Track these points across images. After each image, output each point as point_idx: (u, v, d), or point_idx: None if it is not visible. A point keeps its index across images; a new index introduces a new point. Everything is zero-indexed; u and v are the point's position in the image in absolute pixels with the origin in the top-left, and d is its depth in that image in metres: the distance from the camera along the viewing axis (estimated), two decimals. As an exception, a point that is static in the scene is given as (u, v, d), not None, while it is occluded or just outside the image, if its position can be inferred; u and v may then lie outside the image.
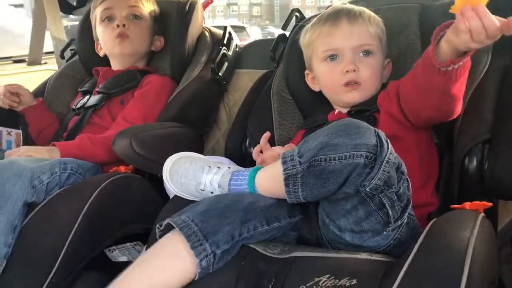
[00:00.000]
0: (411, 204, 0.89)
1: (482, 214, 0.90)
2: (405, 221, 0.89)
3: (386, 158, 0.81)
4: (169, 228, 0.90)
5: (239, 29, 12.12)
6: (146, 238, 1.27)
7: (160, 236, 0.92)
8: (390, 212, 0.85)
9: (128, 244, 1.33)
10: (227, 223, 0.88)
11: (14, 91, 1.55)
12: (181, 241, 0.85)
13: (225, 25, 1.77)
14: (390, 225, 0.86)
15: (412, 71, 1.03)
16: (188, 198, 1.02)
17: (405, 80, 1.06)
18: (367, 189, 0.82)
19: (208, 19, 2.41)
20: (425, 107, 1.01)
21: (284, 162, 0.86)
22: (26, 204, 1.11)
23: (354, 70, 1.14)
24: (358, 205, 0.85)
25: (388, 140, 0.84)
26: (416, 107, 1.04)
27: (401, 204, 0.86)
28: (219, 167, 1.00)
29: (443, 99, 0.98)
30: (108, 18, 1.57)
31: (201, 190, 0.98)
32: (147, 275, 0.86)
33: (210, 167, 0.99)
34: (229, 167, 1.00)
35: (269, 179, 0.94)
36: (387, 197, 0.84)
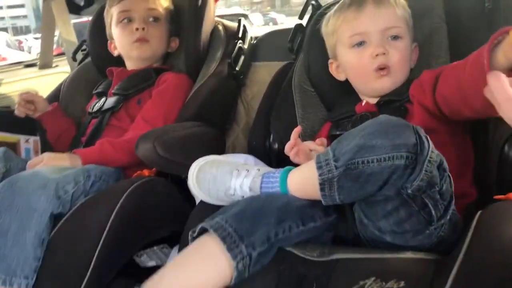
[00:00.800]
0: (453, 201, 0.85)
1: (530, 204, 0.86)
2: (448, 217, 0.85)
3: (428, 157, 0.77)
4: (202, 233, 0.87)
5: (242, 17, 12.03)
6: (172, 241, 1.27)
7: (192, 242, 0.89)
8: (433, 212, 0.81)
9: (155, 247, 1.32)
10: (262, 223, 0.85)
11: (29, 99, 1.53)
12: (216, 244, 0.82)
13: (227, 13, 1.72)
14: (433, 223, 0.83)
15: (456, 70, 0.95)
16: (215, 203, 0.99)
17: (446, 79, 0.99)
18: (409, 191, 0.78)
19: None
20: (466, 109, 0.94)
21: (319, 167, 0.82)
22: (52, 215, 1.09)
23: (384, 54, 1.09)
24: (399, 207, 0.81)
25: (428, 137, 0.80)
26: (457, 108, 0.97)
27: (444, 202, 0.82)
28: (248, 170, 0.96)
29: (487, 105, 0.92)
30: (126, 19, 1.53)
31: (231, 195, 0.95)
32: (181, 278, 0.84)
33: (238, 170, 0.96)
34: (259, 169, 0.97)
35: (303, 181, 0.90)
36: (430, 197, 0.80)
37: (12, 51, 10.29)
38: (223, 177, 0.96)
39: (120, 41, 1.56)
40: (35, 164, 1.25)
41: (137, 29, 1.50)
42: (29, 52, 14.02)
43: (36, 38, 18.46)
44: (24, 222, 1.05)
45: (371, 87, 1.14)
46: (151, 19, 1.54)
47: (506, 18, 1.10)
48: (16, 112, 1.54)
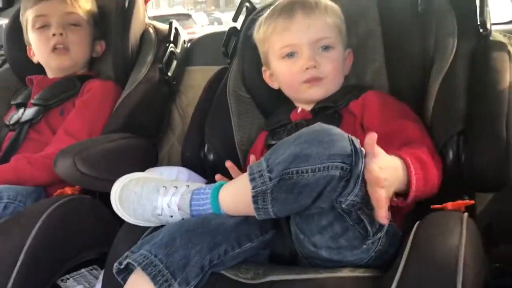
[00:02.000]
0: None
1: (466, 214, 0.85)
2: (385, 231, 0.82)
3: (362, 171, 0.74)
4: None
5: (185, 16, 11.89)
6: (102, 261, 1.18)
7: (118, 273, 0.83)
8: (369, 228, 0.78)
9: (83, 270, 1.24)
10: (194, 252, 0.79)
11: None
12: (146, 283, 0.76)
13: (169, 13, 1.65)
14: (369, 238, 0.80)
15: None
16: (142, 225, 0.92)
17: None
18: (343, 206, 0.75)
19: (151, 8, 2.27)
20: None
21: (252, 179, 0.77)
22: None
23: (315, 66, 1.06)
24: (334, 222, 0.78)
25: (363, 150, 0.76)
26: None
27: None
28: (176, 186, 0.90)
29: None
30: (42, 26, 1.43)
31: (158, 215, 0.88)
32: None
33: (165, 187, 0.89)
34: (188, 186, 0.90)
35: (235, 196, 0.85)
36: (365, 213, 0.77)
37: None
38: (149, 196, 0.89)
39: (37, 48, 1.46)
40: None
41: (54, 35, 1.40)
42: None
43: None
44: None
45: (302, 97, 1.12)
46: (70, 24, 1.44)
47: (439, 21, 1.10)
48: None
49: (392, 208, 0.90)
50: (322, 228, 0.79)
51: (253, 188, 0.77)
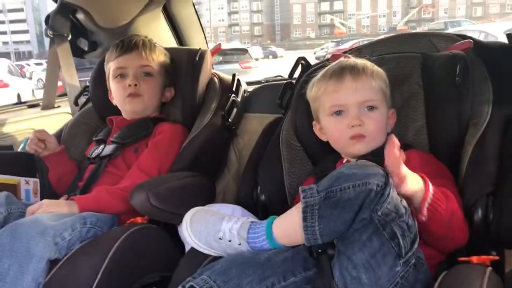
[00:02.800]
0: (418, 239, 0.93)
1: (490, 268, 0.94)
2: (413, 261, 0.93)
3: (392, 187, 0.90)
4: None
5: (242, 51, 12.27)
6: (162, 285, 1.33)
7: None
8: (401, 242, 0.90)
9: (146, 290, 1.37)
10: (246, 282, 0.93)
11: (42, 138, 1.61)
12: None
13: (227, 48, 1.81)
14: (402, 257, 0.90)
15: None
16: (204, 251, 1.07)
17: None
18: (379, 213, 0.88)
19: (210, 43, 2.48)
20: None
21: (303, 191, 0.93)
22: (49, 261, 1.15)
23: (360, 125, 1.19)
24: (372, 235, 0.90)
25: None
26: None
27: (410, 235, 0.92)
28: (238, 218, 1.06)
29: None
30: (120, 76, 1.63)
31: (219, 238, 1.03)
32: None
33: (229, 217, 1.06)
34: (248, 218, 1.06)
35: (286, 224, 1.00)
36: (398, 226, 0.90)
37: (13, 78, 10.44)
38: (215, 221, 1.06)
39: (115, 94, 1.66)
40: (33, 210, 1.31)
41: (129, 85, 1.60)
42: (30, 78, 14.21)
43: (38, 64, 18.72)
44: (23, 267, 1.12)
45: (346, 151, 1.24)
46: (143, 74, 1.63)
47: (475, 88, 1.21)
48: (27, 148, 1.61)
49: (428, 261, 1.01)
50: (362, 244, 0.90)
51: (303, 198, 0.93)
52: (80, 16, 2.02)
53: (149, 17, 2.04)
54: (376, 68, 1.25)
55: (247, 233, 1.02)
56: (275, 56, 28.00)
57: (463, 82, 1.20)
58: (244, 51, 12.41)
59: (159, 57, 1.67)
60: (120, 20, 2.00)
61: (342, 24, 63.16)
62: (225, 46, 13.85)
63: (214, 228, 1.04)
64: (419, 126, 1.30)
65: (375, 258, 0.90)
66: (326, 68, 1.28)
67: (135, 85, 1.60)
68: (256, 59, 13.86)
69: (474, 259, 0.97)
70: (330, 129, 1.26)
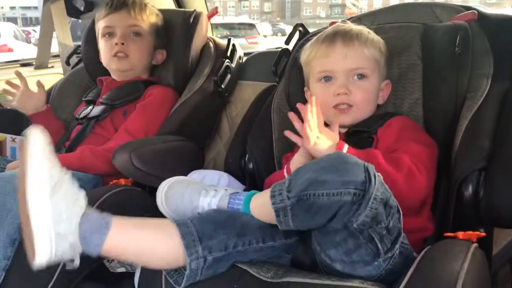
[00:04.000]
0: (402, 235, 0.89)
1: (475, 244, 0.90)
2: (398, 251, 0.89)
3: (373, 195, 0.81)
4: None
5: (249, 26, 12.14)
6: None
7: None
8: (380, 245, 0.85)
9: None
10: (223, 232, 0.90)
11: (38, 85, 1.62)
12: (177, 237, 0.87)
13: (235, 22, 1.77)
14: (381, 256, 0.87)
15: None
16: None
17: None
18: (355, 225, 0.82)
19: (219, 16, 2.43)
20: None
21: (272, 196, 0.87)
22: (26, 217, 1.12)
23: (346, 93, 1.15)
24: (348, 238, 0.85)
25: (377, 174, 0.84)
26: None
27: (391, 237, 0.86)
28: (215, 190, 1.01)
29: None
30: (108, 34, 1.59)
31: (198, 213, 0.99)
32: (139, 242, 0.88)
33: (206, 190, 1.00)
34: (226, 190, 1.01)
35: (262, 206, 0.94)
36: (376, 232, 0.84)
37: (18, 42, 10.36)
38: (191, 196, 1.00)
39: (102, 54, 1.63)
40: (15, 166, 1.29)
41: (116, 44, 1.56)
42: (36, 45, 14.14)
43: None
44: (-2, 222, 1.09)
45: (330, 120, 1.18)
46: (131, 34, 1.59)
47: (474, 61, 1.16)
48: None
49: (412, 234, 0.98)
50: (336, 243, 0.86)
51: (272, 204, 0.86)
52: (77, -27, 1.97)
53: (148, -23, 1.98)
54: (372, 36, 1.20)
55: (227, 207, 0.98)
56: (283, 33, 27.60)
57: (462, 53, 1.15)
58: (252, 26, 12.26)
59: (150, 17, 1.63)
60: (117, -20, 1.94)
61: (354, 4, 62.32)
62: (232, 20, 13.69)
63: (191, 203, 0.99)
64: (415, 99, 1.25)
65: (350, 257, 0.87)
66: (321, 33, 1.24)
67: (122, 43, 1.56)
68: (265, 36, 13.70)
69: (460, 234, 0.93)
70: (316, 95, 1.19)
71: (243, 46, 1.80)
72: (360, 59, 1.16)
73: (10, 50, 9.68)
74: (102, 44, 1.61)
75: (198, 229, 0.88)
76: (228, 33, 10.78)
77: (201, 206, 0.99)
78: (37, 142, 0.84)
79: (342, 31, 1.18)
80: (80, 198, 0.87)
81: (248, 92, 1.73)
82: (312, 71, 1.22)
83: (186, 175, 1.35)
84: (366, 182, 0.81)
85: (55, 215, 0.81)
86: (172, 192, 1.01)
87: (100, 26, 1.62)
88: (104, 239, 0.85)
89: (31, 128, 0.85)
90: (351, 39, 1.16)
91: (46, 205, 0.81)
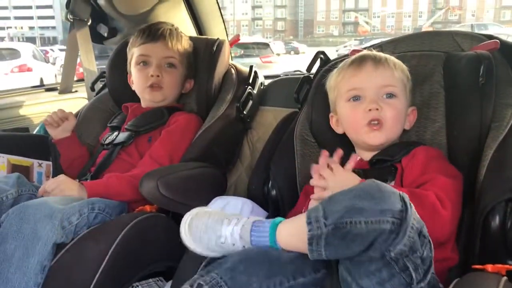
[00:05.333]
0: (432, 266, 0.89)
1: (505, 278, 0.90)
2: (427, 281, 0.89)
3: (410, 224, 0.82)
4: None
5: (263, 45, 12.22)
6: (168, 274, 1.32)
7: None
8: (414, 275, 0.85)
9: (150, 280, 1.36)
10: (254, 279, 0.89)
11: (64, 116, 1.66)
12: None
13: (249, 41, 1.79)
14: (413, 286, 0.86)
15: None
16: (207, 256, 1.02)
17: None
18: (392, 254, 0.82)
19: (232, 35, 2.46)
20: None
21: (309, 223, 0.87)
22: (55, 244, 1.15)
23: (377, 109, 1.15)
24: (382, 268, 0.85)
25: (412, 204, 0.85)
26: None
27: (424, 267, 0.86)
28: (238, 218, 1.01)
29: None
30: (143, 63, 1.62)
31: (222, 243, 0.98)
32: None
33: (228, 219, 1.01)
34: (248, 218, 1.02)
35: (292, 234, 0.94)
36: (411, 261, 0.84)
37: (37, 62, 10.58)
38: (214, 226, 1.00)
39: (135, 82, 1.65)
40: (49, 187, 1.32)
41: (151, 75, 1.59)
42: (54, 64, 14.41)
43: (62, 50, 18.97)
44: (29, 249, 1.12)
45: (362, 140, 1.20)
46: (166, 65, 1.62)
47: (498, 91, 1.16)
48: (48, 119, 1.64)
49: (437, 263, 0.98)
50: (370, 272, 0.86)
51: (309, 231, 0.86)
52: (101, 1, 2.02)
53: (170, 5, 2.04)
54: (398, 61, 1.22)
55: (250, 236, 0.98)
56: (296, 52, 27.83)
57: (486, 83, 1.16)
58: (266, 45, 12.35)
59: (184, 47, 1.66)
60: (140, 7, 2.00)
61: (367, 22, 62.53)
62: (247, 39, 13.80)
63: (214, 233, 0.99)
64: (438, 127, 1.26)
65: (383, 286, 0.86)
66: (346, 59, 1.26)
67: (157, 76, 1.59)
68: (278, 54, 13.79)
69: (489, 267, 0.93)
70: (346, 115, 1.22)
71: (257, 65, 1.83)
72: (390, 77, 1.17)
73: (30, 69, 9.89)
74: (135, 72, 1.64)
75: (230, 285, 0.88)
76: (242, 52, 10.88)
77: (224, 235, 0.99)
78: None
79: (370, 54, 1.21)
80: None
81: (269, 117, 1.75)
82: (340, 92, 1.23)
83: (209, 201, 1.37)
84: (403, 210, 0.82)
85: None
86: (196, 223, 1.02)
87: (134, 53, 1.64)
88: None
89: None
90: (381, 61, 1.18)
91: None
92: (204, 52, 1.69)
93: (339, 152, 1.11)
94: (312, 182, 1.09)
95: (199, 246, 1.00)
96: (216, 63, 1.66)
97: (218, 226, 1.00)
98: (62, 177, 1.39)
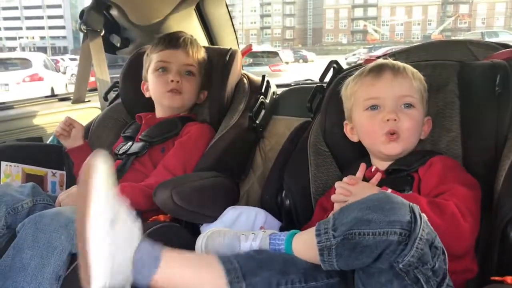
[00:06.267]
0: (447, 278, 0.88)
1: (524, 290, 0.89)
2: None
3: (419, 235, 0.82)
4: None
5: (272, 54, 12.27)
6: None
7: None
8: (425, 286, 0.85)
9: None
10: (267, 269, 0.91)
11: (71, 122, 1.67)
12: (221, 273, 0.89)
13: (258, 50, 1.79)
14: None
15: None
16: None
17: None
18: (401, 265, 0.82)
19: (241, 44, 2.47)
20: None
21: (318, 235, 0.88)
22: (70, 254, 1.15)
23: (395, 120, 1.15)
24: (393, 279, 0.85)
25: (423, 215, 0.84)
26: None
27: (436, 279, 0.86)
28: (253, 233, 1.02)
29: None
30: (162, 69, 1.62)
31: None
32: (186, 277, 0.90)
33: (245, 235, 1.02)
34: (264, 231, 1.02)
35: (305, 246, 0.95)
36: (422, 273, 0.84)
37: (48, 72, 10.69)
38: (232, 243, 1.02)
39: (153, 87, 1.64)
40: (62, 198, 1.34)
41: (172, 81, 1.59)
42: (64, 73, 14.56)
43: (72, 59, 19.19)
44: (44, 259, 1.12)
45: (379, 150, 1.19)
46: (185, 73, 1.63)
47: (515, 101, 1.15)
48: (57, 129, 1.67)
49: (456, 275, 0.96)
50: (382, 284, 0.86)
51: (318, 243, 0.87)
52: (114, 12, 2.05)
53: (182, 15, 2.05)
54: (416, 70, 1.22)
55: (270, 246, 0.99)
56: (305, 60, 27.92)
57: (503, 92, 1.15)
58: (275, 54, 12.41)
59: (202, 57, 1.67)
60: (153, 18, 2.02)
61: (376, 30, 62.53)
62: (256, 48, 13.86)
63: (232, 250, 1.01)
64: (453, 137, 1.25)
65: None
66: (363, 67, 1.25)
67: (178, 81, 1.59)
68: (287, 63, 13.82)
69: (509, 279, 0.92)
70: (363, 124, 1.21)
71: (266, 73, 1.84)
72: (408, 88, 1.17)
73: (41, 79, 10.00)
74: (154, 78, 1.63)
75: (242, 265, 0.90)
76: (252, 61, 10.93)
77: (243, 252, 1.00)
78: (100, 172, 0.85)
79: (389, 63, 1.20)
80: (135, 229, 0.89)
81: (281, 126, 1.75)
82: (357, 100, 1.22)
83: (222, 211, 1.38)
84: (412, 222, 0.82)
85: (112, 249, 0.83)
86: (212, 245, 1.02)
87: (153, 59, 1.64)
88: (154, 272, 0.88)
89: (96, 155, 0.86)
90: (400, 71, 1.18)
91: (105, 240, 0.83)
92: (218, 62, 1.70)
93: (363, 167, 1.13)
94: (333, 198, 1.09)
95: None
96: (229, 73, 1.66)
97: (236, 242, 1.01)
98: (74, 188, 1.39)
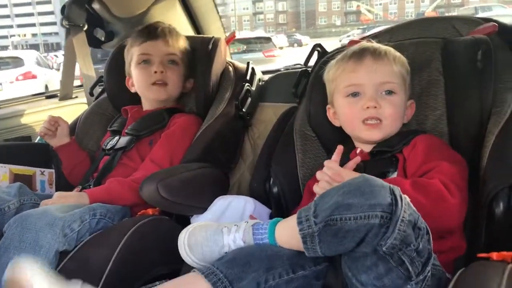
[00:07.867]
0: (433, 257, 0.88)
1: (510, 266, 0.88)
2: (430, 273, 0.88)
3: (400, 217, 0.81)
4: None
5: (265, 40, 12.16)
6: (173, 277, 1.31)
7: None
8: (410, 268, 0.84)
9: (157, 283, 1.35)
10: (252, 270, 0.90)
11: (55, 120, 1.63)
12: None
13: (251, 36, 1.77)
14: (413, 279, 0.85)
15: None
16: None
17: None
18: (384, 248, 0.82)
19: (237, 32, 2.44)
20: None
21: (299, 223, 0.87)
22: (58, 252, 1.15)
23: (375, 107, 1.14)
24: (378, 262, 0.85)
25: (404, 196, 0.84)
26: None
27: (421, 259, 0.85)
28: (236, 225, 1.01)
29: None
30: (144, 62, 1.60)
31: (225, 252, 0.98)
32: None
33: (227, 227, 1.00)
34: (247, 222, 1.01)
35: (288, 234, 0.94)
36: (406, 254, 0.83)
37: (41, 69, 10.63)
38: (215, 237, 0.99)
39: (138, 81, 1.63)
40: (47, 203, 1.32)
41: (155, 72, 1.57)
42: (58, 70, 14.48)
43: (66, 55, 19.05)
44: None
45: (358, 136, 1.19)
46: (168, 62, 1.61)
47: (497, 75, 1.15)
48: (42, 129, 1.63)
49: (445, 254, 0.96)
50: (367, 267, 0.86)
51: (300, 230, 0.87)
52: (96, 6, 2.02)
53: (165, 5, 2.03)
54: (398, 54, 1.21)
55: (253, 240, 0.97)
56: (300, 44, 27.71)
57: (485, 68, 1.14)
58: (268, 39, 12.29)
59: (183, 46, 1.65)
60: (135, 9, 1.99)
61: (369, 10, 62.06)
62: (249, 34, 13.74)
63: (216, 244, 0.99)
64: (438, 115, 1.24)
65: (381, 281, 0.85)
66: (346, 50, 1.24)
67: (161, 72, 1.57)
68: (281, 48, 13.70)
69: (494, 255, 0.92)
70: (343, 111, 1.20)
71: (260, 60, 1.82)
72: (389, 74, 1.16)
73: (34, 76, 9.94)
74: (137, 71, 1.61)
75: (226, 273, 0.88)
76: (245, 47, 10.84)
77: (227, 244, 0.98)
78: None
79: (370, 47, 1.19)
80: None
81: (268, 113, 1.73)
82: (338, 86, 1.21)
83: (211, 201, 1.37)
84: (393, 204, 0.81)
85: None
86: (195, 240, 1.00)
87: (134, 53, 1.62)
88: None
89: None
90: (381, 56, 1.16)
91: None
92: (200, 51, 1.68)
93: (339, 150, 1.10)
94: (315, 189, 1.07)
95: (202, 261, 0.99)
96: (212, 61, 1.64)
97: (218, 236, 0.99)
98: (56, 193, 1.38)
